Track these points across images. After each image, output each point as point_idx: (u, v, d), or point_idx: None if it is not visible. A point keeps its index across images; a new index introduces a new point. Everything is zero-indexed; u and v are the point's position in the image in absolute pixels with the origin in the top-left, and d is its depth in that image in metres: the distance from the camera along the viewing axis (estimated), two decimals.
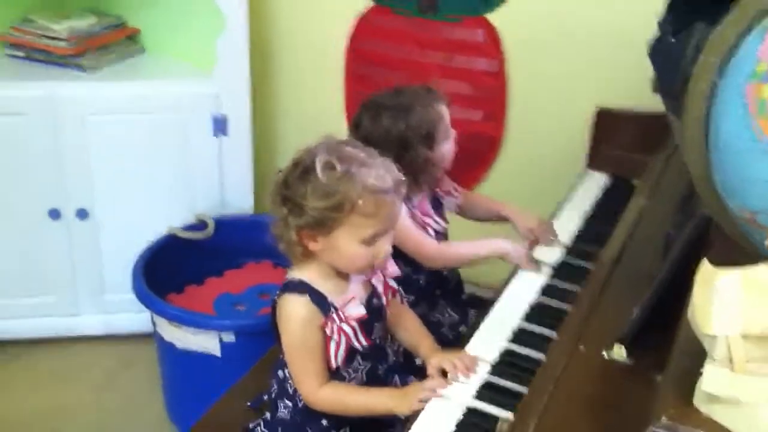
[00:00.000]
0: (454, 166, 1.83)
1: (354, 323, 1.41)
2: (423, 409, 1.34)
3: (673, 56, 1.17)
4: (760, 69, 0.89)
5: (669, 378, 0.95)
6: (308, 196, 1.34)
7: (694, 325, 0.87)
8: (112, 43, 2.58)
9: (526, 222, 1.87)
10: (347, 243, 1.36)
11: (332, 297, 1.41)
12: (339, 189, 1.32)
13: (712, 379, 0.85)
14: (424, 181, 1.79)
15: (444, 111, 1.77)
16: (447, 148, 1.78)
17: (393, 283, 1.52)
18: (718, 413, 0.87)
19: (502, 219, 1.95)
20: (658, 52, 1.31)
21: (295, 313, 1.39)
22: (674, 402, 0.90)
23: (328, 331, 1.39)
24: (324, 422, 1.46)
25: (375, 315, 1.47)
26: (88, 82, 2.44)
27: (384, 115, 1.73)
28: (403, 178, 1.40)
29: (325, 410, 1.44)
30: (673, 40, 1.19)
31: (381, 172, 1.35)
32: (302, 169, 1.35)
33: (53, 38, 2.48)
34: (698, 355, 0.91)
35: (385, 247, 1.39)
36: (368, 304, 1.45)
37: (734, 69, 0.95)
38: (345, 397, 1.42)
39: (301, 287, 1.40)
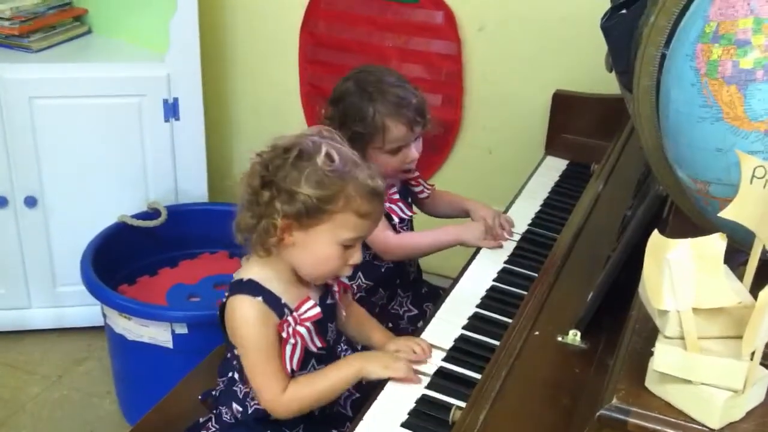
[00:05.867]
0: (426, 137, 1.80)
1: (309, 324, 1.35)
2: (376, 398, 1.31)
3: (625, 29, 1.14)
4: (710, 29, 0.86)
5: (620, 358, 0.92)
6: (302, 182, 1.28)
7: (645, 301, 0.84)
8: (58, 23, 2.52)
9: (481, 213, 1.85)
10: (325, 242, 1.31)
11: (286, 298, 1.34)
12: (337, 182, 1.28)
13: (663, 358, 0.82)
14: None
15: (397, 129, 1.68)
16: (381, 159, 1.70)
17: (344, 280, 1.48)
18: (670, 393, 0.84)
19: (465, 213, 1.92)
20: (611, 26, 1.28)
21: (249, 316, 1.32)
22: (625, 383, 0.87)
23: (284, 335, 1.33)
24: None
25: (328, 315, 1.42)
26: (34, 63, 2.37)
27: (355, 80, 1.72)
28: (384, 185, 1.36)
29: (292, 414, 1.36)
30: (625, 11, 1.17)
31: (374, 174, 1.32)
32: (297, 154, 1.29)
33: None
34: (650, 334, 0.88)
35: (356, 255, 1.35)
36: (322, 304, 1.39)
37: (684, 31, 0.93)
38: (309, 387, 1.35)
39: (254, 288, 1.33)
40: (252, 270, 1.35)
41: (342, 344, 1.52)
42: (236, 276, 1.37)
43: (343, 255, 1.32)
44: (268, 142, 1.35)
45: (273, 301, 1.33)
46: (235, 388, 1.41)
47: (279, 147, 1.32)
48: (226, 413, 1.43)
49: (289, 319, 1.33)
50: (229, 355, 1.41)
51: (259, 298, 1.32)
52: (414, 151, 1.73)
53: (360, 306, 1.57)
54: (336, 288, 1.44)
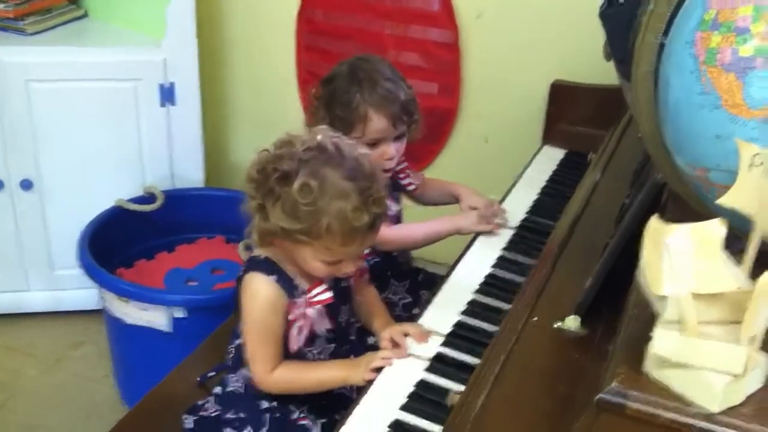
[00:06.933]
0: (408, 141, 1.77)
1: (319, 307, 1.37)
2: (375, 379, 1.33)
3: (624, 17, 1.15)
4: (709, 17, 0.87)
5: (619, 343, 0.93)
6: (278, 209, 1.27)
7: (644, 286, 0.85)
8: (53, 6, 2.51)
9: (471, 201, 1.84)
10: (308, 258, 1.32)
11: (299, 279, 1.37)
12: (308, 216, 1.25)
13: (662, 343, 0.83)
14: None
15: (379, 121, 1.66)
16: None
17: (362, 263, 1.48)
18: (668, 378, 0.84)
19: (455, 199, 1.92)
20: (609, 14, 1.29)
21: (260, 295, 1.34)
22: (624, 367, 0.88)
23: (291, 316, 1.35)
24: (275, 403, 1.43)
25: (342, 297, 1.43)
26: (29, 46, 2.36)
27: (349, 65, 1.71)
28: (385, 210, 1.33)
29: (275, 392, 1.41)
30: (622, 1, 1.17)
31: (359, 205, 1.26)
32: (281, 174, 1.27)
33: None
34: (649, 319, 0.89)
35: (348, 267, 1.34)
36: (336, 286, 1.41)
37: (683, 19, 0.93)
38: (297, 376, 1.39)
39: (269, 266, 1.35)
40: (269, 249, 1.37)
41: (355, 325, 1.54)
42: (255, 252, 1.39)
43: (330, 267, 1.33)
44: (279, 137, 1.33)
45: (286, 281, 1.35)
46: (245, 354, 1.43)
47: (272, 156, 1.30)
48: (236, 381, 1.46)
49: (299, 300, 1.35)
50: (240, 324, 1.43)
51: (274, 277, 1.34)
52: (392, 149, 1.70)
53: (374, 290, 1.58)
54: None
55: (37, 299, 2.52)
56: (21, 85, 2.26)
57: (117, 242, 2.30)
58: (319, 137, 1.32)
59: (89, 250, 2.15)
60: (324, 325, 1.39)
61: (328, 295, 1.37)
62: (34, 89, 2.28)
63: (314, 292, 1.37)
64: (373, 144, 1.68)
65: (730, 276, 0.82)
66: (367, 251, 1.46)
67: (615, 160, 1.81)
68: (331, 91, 1.70)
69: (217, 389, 1.50)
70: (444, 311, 1.50)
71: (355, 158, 1.30)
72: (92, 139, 2.38)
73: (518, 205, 1.86)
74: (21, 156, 2.34)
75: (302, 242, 1.29)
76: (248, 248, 2.16)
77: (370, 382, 1.33)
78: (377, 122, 1.66)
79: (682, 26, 0.94)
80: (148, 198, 2.41)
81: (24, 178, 2.35)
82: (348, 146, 1.32)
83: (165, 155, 2.46)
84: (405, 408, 1.27)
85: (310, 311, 1.36)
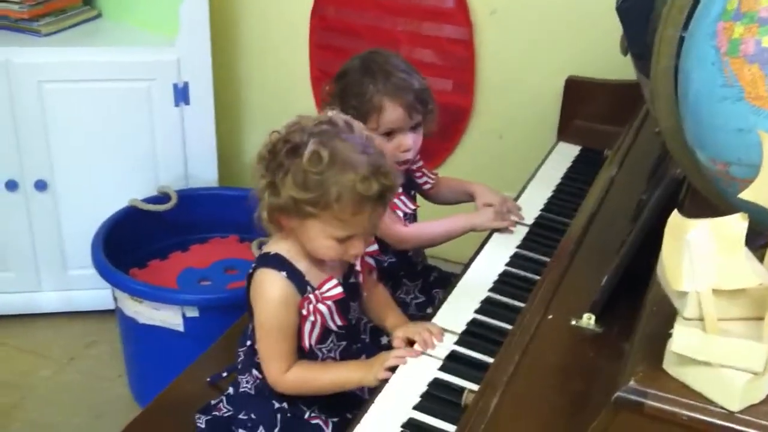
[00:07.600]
0: (424, 134, 1.76)
1: (330, 303, 1.36)
2: (389, 379, 1.31)
3: (642, 11, 1.13)
4: (731, 6, 0.85)
5: (638, 341, 0.91)
6: (288, 180, 1.27)
7: (664, 283, 0.83)
8: (68, 7, 2.52)
9: (487, 198, 1.83)
10: (318, 235, 1.31)
11: (310, 275, 1.36)
12: (318, 185, 1.26)
13: (681, 340, 0.81)
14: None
15: (394, 111, 1.65)
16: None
17: (370, 260, 1.48)
18: (688, 376, 0.83)
19: (470, 197, 1.90)
20: (627, 9, 1.27)
21: (272, 292, 1.33)
22: (643, 365, 0.86)
23: (304, 312, 1.34)
24: (285, 403, 1.42)
25: (352, 294, 1.42)
26: (44, 47, 2.37)
27: (361, 58, 1.71)
28: (394, 184, 1.32)
29: (289, 393, 1.39)
30: None
31: (368, 175, 1.27)
32: (291, 146, 1.28)
33: (6, 1, 2.41)
34: (668, 315, 0.87)
35: (357, 247, 1.33)
36: (345, 282, 1.40)
37: (704, 10, 0.91)
38: (311, 377, 1.38)
39: (279, 262, 1.35)
40: (279, 245, 1.37)
41: (368, 324, 1.53)
42: (265, 249, 1.39)
43: (340, 247, 1.32)
44: (291, 119, 1.34)
45: (296, 277, 1.34)
46: (255, 357, 1.42)
47: (283, 134, 1.31)
48: (247, 381, 1.45)
49: (311, 296, 1.34)
50: (251, 325, 1.42)
51: (283, 273, 1.33)
52: (409, 140, 1.69)
53: (384, 288, 1.57)
54: (359, 268, 1.44)
55: (50, 300, 2.53)
56: (34, 86, 2.27)
57: (131, 242, 2.30)
58: (330, 113, 1.35)
59: (103, 250, 2.15)
60: (336, 322, 1.38)
61: (339, 290, 1.36)
62: (48, 90, 2.28)
63: (325, 287, 1.36)
64: (389, 135, 1.67)
65: (751, 272, 0.80)
66: (374, 248, 1.44)
67: (631, 156, 1.79)
68: (344, 85, 1.69)
69: (230, 390, 1.49)
70: (458, 309, 1.49)
71: (364, 135, 1.33)
72: (106, 140, 2.38)
73: (533, 203, 1.85)
74: (35, 157, 2.34)
75: (312, 216, 1.28)
76: (261, 246, 2.17)
77: (384, 382, 1.32)
78: (392, 112, 1.65)
79: (704, 17, 0.92)
80: (161, 198, 2.41)
81: (38, 178, 2.36)
82: (358, 124, 1.35)
83: (179, 155, 2.46)
84: (419, 407, 1.26)
85: (322, 307, 1.35)
